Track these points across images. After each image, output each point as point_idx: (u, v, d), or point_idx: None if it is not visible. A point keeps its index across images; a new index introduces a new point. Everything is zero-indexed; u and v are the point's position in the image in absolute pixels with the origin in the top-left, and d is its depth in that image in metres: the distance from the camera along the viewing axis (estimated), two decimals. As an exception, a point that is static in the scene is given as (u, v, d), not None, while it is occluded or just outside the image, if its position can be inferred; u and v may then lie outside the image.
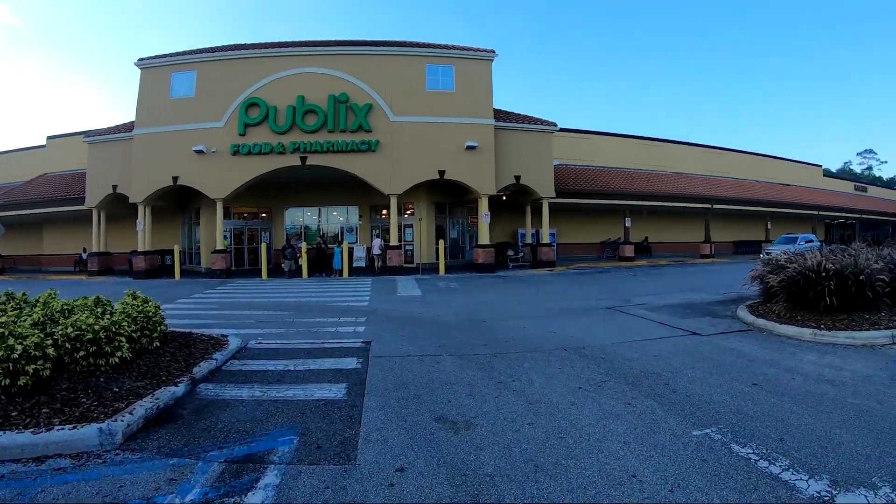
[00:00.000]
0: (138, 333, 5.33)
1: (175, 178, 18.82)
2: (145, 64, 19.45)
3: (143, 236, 19.67)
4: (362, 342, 6.69)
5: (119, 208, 21.23)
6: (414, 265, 20.41)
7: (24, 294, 6.42)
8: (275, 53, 18.91)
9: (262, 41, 19.97)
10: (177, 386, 4.62)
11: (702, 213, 27.80)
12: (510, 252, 20.94)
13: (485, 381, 4.79)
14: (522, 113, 21.33)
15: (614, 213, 26.15)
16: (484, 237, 19.28)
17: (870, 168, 77.61)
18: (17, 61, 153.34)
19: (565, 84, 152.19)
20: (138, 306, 5.69)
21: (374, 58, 18.87)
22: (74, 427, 3.56)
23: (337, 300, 11.39)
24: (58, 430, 3.51)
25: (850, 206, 37.44)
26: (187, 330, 7.10)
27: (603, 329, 7.38)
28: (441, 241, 19.10)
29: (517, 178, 19.87)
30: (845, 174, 66.10)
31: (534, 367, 5.26)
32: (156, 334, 5.62)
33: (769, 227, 30.60)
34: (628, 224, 24.20)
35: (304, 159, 18.32)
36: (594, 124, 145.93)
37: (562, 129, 21.88)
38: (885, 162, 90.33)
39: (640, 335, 6.88)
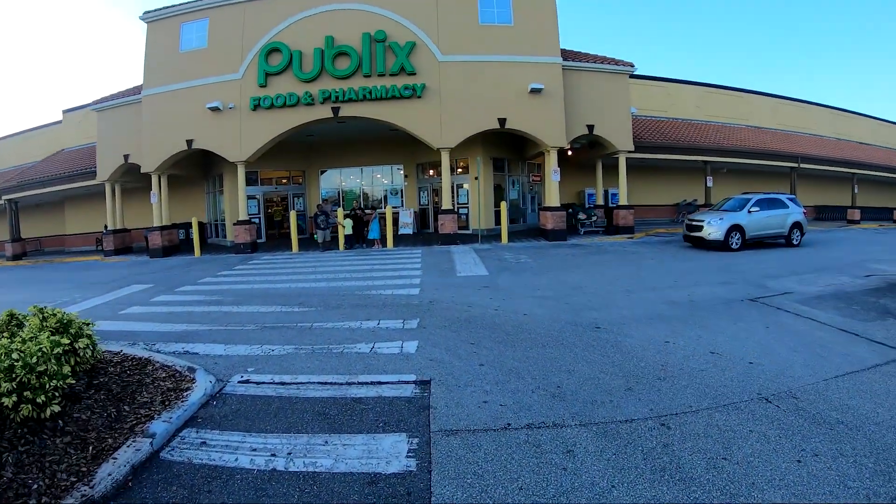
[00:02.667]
0: (13, 398, 3.23)
1: (189, 142, 16.87)
2: (151, 17, 17.38)
3: (160, 209, 18.02)
4: (415, 383, 4.25)
5: (137, 181, 19.48)
6: (470, 232, 17.71)
7: None
8: (297, -9, 16.26)
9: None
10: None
11: (784, 173, 24.28)
12: (581, 216, 18.24)
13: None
14: (592, 53, 18.33)
15: (689, 172, 23.25)
16: (553, 198, 16.48)
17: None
18: (39, 39, 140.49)
19: (616, 20, 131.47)
20: (21, 344, 3.49)
21: (412, -14, 15.95)
22: None
23: (377, 285, 9.12)
24: None
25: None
26: (146, 355, 5.08)
27: (781, 345, 5.00)
28: (503, 204, 16.45)
29: (590, 127, 17.02)
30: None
31: (758, 465, 2.91)
32: (42, 398, 3.29)
33: (856, 191, 26.68)
34: (710, 184, 21.01)
35: (336, 110, 15.88)
36: (654, 69, 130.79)
37: (631, 76, 18.53)
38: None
39: (846, 360, 4.59)
